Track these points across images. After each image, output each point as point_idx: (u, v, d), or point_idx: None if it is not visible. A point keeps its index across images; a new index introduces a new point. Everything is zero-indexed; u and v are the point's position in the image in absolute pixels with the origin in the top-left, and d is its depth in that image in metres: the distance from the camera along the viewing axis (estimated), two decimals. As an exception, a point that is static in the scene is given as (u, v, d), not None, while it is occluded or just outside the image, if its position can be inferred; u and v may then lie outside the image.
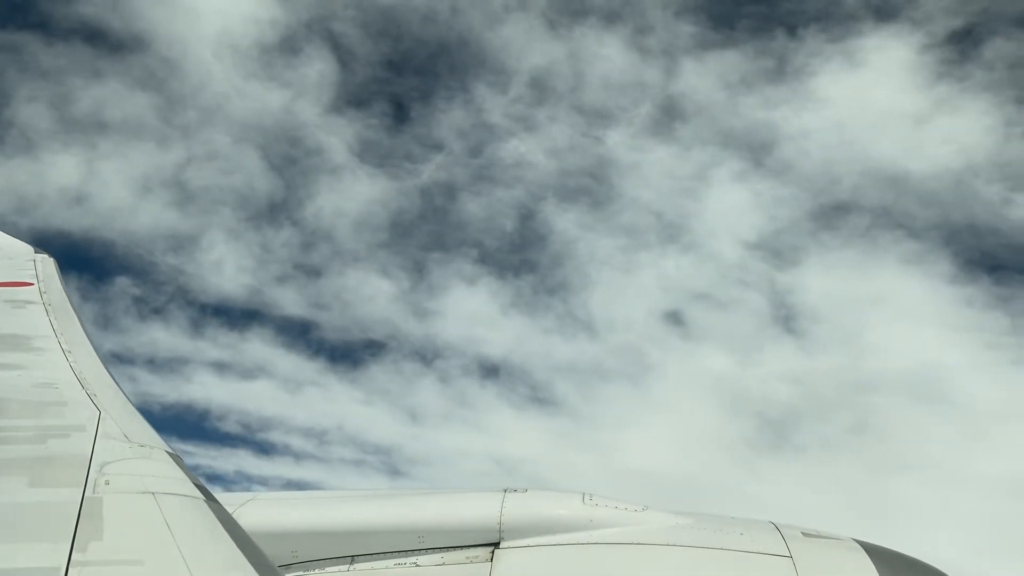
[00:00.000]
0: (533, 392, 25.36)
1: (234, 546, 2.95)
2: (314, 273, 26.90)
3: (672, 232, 26.65)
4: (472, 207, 26.60)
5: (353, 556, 5.07)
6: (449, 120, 26.69)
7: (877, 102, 25.75)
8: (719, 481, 21.82)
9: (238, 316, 26.54)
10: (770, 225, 26.02)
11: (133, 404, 4.58)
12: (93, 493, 3.13)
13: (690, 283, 26.39)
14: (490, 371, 25.79)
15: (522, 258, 27.03)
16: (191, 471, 3.62)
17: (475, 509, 5.17)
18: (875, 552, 4.86)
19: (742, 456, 23.30)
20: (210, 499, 3.34)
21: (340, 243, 26.44)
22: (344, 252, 26.62)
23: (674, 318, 25.78)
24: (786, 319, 25.23)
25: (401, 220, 26.67)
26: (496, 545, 5.03)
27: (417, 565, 5.00)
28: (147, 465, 3.53)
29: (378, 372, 26.22)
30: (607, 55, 26.06)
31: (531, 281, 26.86)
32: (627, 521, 5.06)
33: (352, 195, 26.19)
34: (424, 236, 27.39)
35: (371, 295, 26.40)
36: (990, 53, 24.75)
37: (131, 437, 3.83)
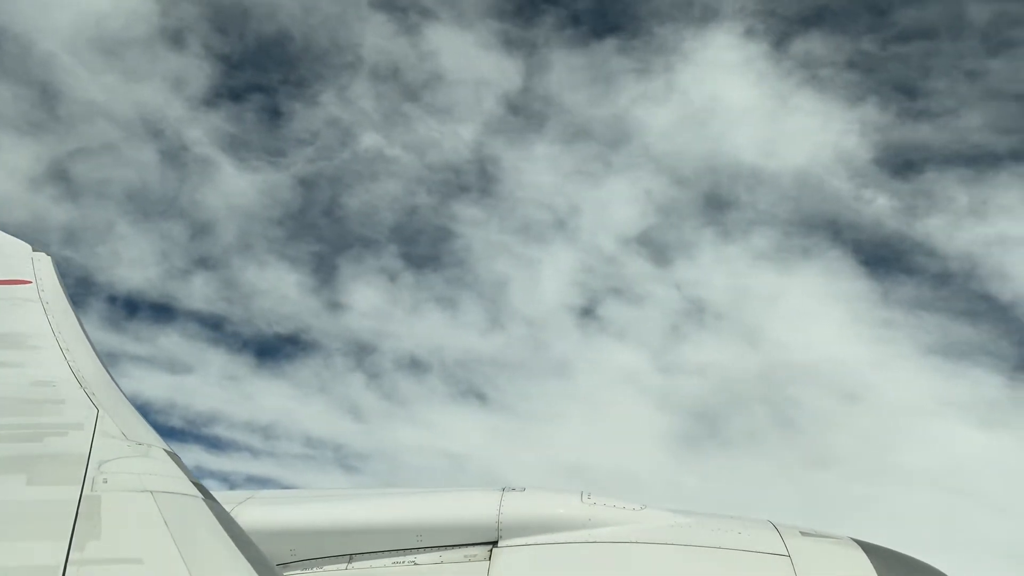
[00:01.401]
0: (462, 387, 25.38)
1: (232, 545, 2.95)
2: (215, 267, 26.59)
3: (557, 229, 26.68)
4: (355, 202, 26.37)
5: (351, 555, 5.07)
6: (316, 115, 26.37)
7: (735, 98, 26.03)
8: (651, 474, 22.10)
9: (148, 310, 26.09)
10: (651, 220, 26.18)
11: (131, 403, 4.58)
12: (91, 491, 3.13)
13: (585, 278, 26.50)
14: (416, 366, 25.72)
15: (422, 253, 26.77)
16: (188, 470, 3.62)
17: (473, 508, 5.18)
18: (873, 551, 4.88)
19: (670, 449, 23.56)
20: (208, 498, 3.34)
21: (236, 237, 26.11)
22: (243, 246, 26.21)
23: (584, 312, 25.88)
24: (691, 314, 25.46)
25: (290, 215, 26.39)
26: (494, 544, 5.03)
27: (415, 563, 5.00)
28: (145, 463, 3.53)
29: (305, 367, 25.85)
30: (461, 50, 26.09)
31: (435, 275, 26.73)
32: (625, 520, 5.07)
33: (235, 189, 25.85)
34: (319, 230, 27.05)
35: (278, 289, 26.10)
36: (819, 49, 25.27)
37: (129, 435, 3.83)
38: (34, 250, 8.85)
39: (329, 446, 24.23)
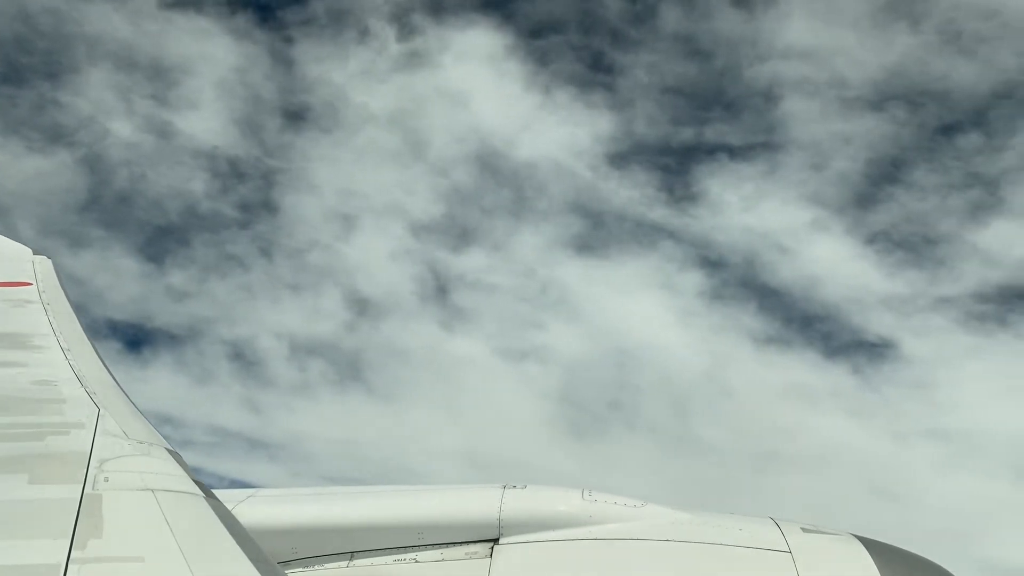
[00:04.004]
0: (340, 375, 25.63)
1: (233, 543, 2.95)
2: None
3: (349, 222, 27.12)
4: (153, 189, 26.51)
5: (352, 552, 5.08)
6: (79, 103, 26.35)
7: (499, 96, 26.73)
8: (533, 460, 22.48)
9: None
10: (442, 208, 26.62)
11: (132, 402, 4.59)
12: (92, 490, 3.14)
13: (369, 270, 26.84)
14: (296, 352, 25.81)
15: (251, 235, 26.93)
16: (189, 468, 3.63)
17: (474, 505, 5.18)
18: (874, 547, 4.88)
19: (546, 435, 24.00)
20: (209, 496, 3.34)
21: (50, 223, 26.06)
22: (62, 232, 26.18)
23: (426, 298, 26.19)
24: (531, 301, 25.91)
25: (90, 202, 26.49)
26: (495, 541, 5.03)
27: (416, 561, 5.01)
28: (146, 462, 3.54)
29: (178, 355, 25.83)
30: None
31: (274, 260, 26.95)
32: (627, 516, 5.07)
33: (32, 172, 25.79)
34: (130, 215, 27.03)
35: (110, 277, 26.13)
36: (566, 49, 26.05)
37: (130, 434, 3.83)
38: (35, 253, 8.89)
39: (234, 435, 24.09)
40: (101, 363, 5.34)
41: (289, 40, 26.63)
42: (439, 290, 26.02)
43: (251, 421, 24.42)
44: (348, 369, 25.66)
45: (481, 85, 26.74)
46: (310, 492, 5.79)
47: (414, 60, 26.44)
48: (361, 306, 26.04)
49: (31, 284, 7.48)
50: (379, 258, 26.87)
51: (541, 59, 26.30)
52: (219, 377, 25.44)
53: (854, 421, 23.73)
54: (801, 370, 24.51)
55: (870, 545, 4.90)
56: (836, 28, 25.31)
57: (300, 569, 5.05)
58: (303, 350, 25.87)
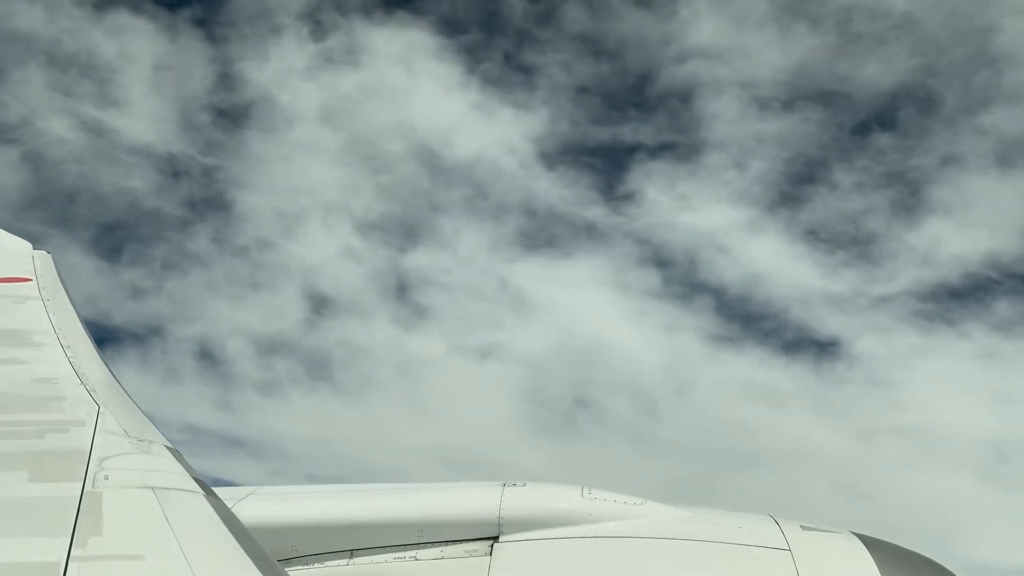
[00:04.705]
0: (305, 373, 25.71)
1: (234, 541, 2.95)
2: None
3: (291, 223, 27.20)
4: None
5: (353, 550, 5.08)
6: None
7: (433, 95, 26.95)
8: (502, 456, 22.69)
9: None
10: (385, 206, 26.77)
11: (132, 400, 4.58)
12: (93, 488, 3.13)
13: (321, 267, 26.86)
14: (258, 350, 25.77)
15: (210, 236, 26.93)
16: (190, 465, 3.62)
17: (474, 503, 5.18)
18: (873, 545, 4.88)
19: (513, 432, 24.25)
20: (210, 494, 3.34)
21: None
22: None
23: (382, 296, 26.28)
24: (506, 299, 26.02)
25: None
26: (495, 539, 5.04)
27: (416, 559, 5.01)
28: (147, 460, 3.53)
29: (141, 353, 25.59)
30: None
31: (222, 258, 26.93)
32: (626, 514, 5.07)
33: None
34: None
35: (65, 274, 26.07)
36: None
37: (130, 432, 3.83)
38: (35, 248, 8.86)
39: (207, 433, 24.00)
40: (101, 360, 5.33)
41: (215, 38, 26.81)
42: (394, 288, 26.21)
43: (224, 419, 24.51)
44: (312, 367, 25.80)
45: (408, 84, 27.06)
46: (310, 490, 5.80)
47: (335, 58, 26.60)
48: (317, 304, 26.19)
49: (31, 280, 7.46)
50: (329, 256, 27.03)
51: (470, 58, 26.56)
52: (185, 375, 25.47)
53: (815, 419, 24.21)
54: (756, 368, 24.94)
55: (869, 543, 4.90)
56: (743, 29, 25.76)
57: (300, 567, 5.05)
58: (265, 348, 26.00)
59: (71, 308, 6.70)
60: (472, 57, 26.39)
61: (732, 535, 4.89)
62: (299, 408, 24.95)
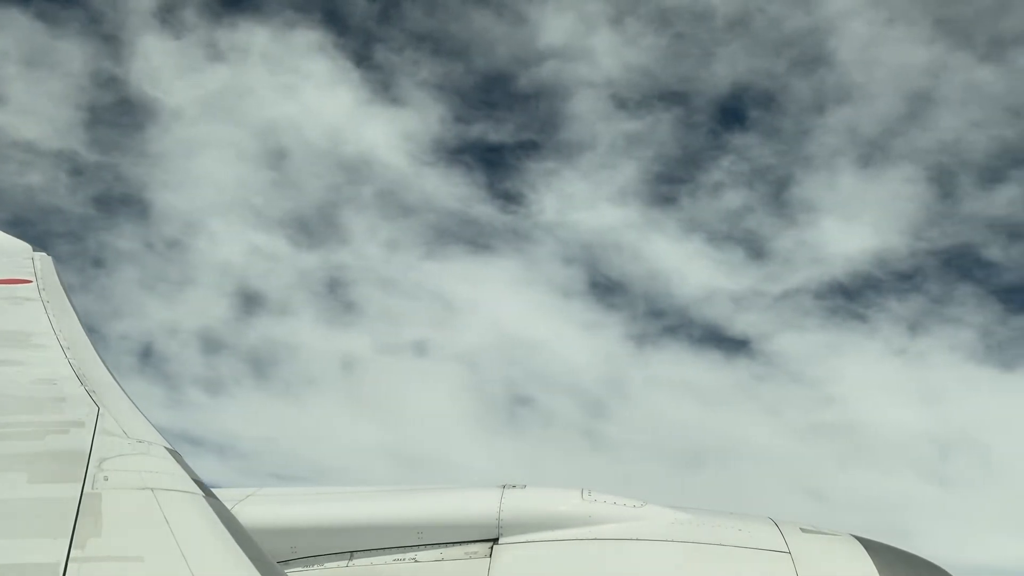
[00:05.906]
0: (243, 371, 25.88)
1: (233, 542, 2.95)
2: None
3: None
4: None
5: (352, 552, 5.08)
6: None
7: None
8: (450, 455, 22.92)
9: None
10: (291, 204, 26.96)
11: (132, 401, 4.58)
12: (92, 489, 3.13)
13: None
14: (192, 347, 25.83)
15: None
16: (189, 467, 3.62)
17: (474, 505, 5.18)
18: (873, 547, 4.88)
19: (453, 429, 24.46)
20: (209, 495, 3.34)
21: None
22: None
23: (310, 295, 26.39)
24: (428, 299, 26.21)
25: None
26: (495, 541, 5.04)
27: (416, 561, 5.01)
28: (146, 461, 3.53)
29: None
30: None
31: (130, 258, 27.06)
32: (626, 517, 5.07)
33: None
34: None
35: None
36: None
37: (130, 433, 3.83)
38: (34, 250, 8.88)
39: (166, 430, 24.02)
40: (101, 362, 5.33)
41: (88, 33, 26.59)
42: (318, 285, 26.35)
43: (175, 417, 24.45)
44: (253, 365, 25.99)
45: (284, 82, 27.14)
46: (310, 492, 5.79)
47: (210, 55, 26.56)
48: (247, 301, 26.33)
49: (31, 281, 7.47)
50: (242, 253, 27.12)
51: (354, 57, 26.68)
52: (125, 373, 25.37)
53: (750, 417, 24.47)
54: (681, 366, 25.30)
55: (869, 545, 4.91)
56: (595, 30, 25.95)
57: (300, 568, 5.05)
58: (200, 346, 26.04)
59: (71, 309, 6.71)
60: (359, 55, 26.61)
61: (732, 537, 4.89)
62: (246, 407, 25.08)
